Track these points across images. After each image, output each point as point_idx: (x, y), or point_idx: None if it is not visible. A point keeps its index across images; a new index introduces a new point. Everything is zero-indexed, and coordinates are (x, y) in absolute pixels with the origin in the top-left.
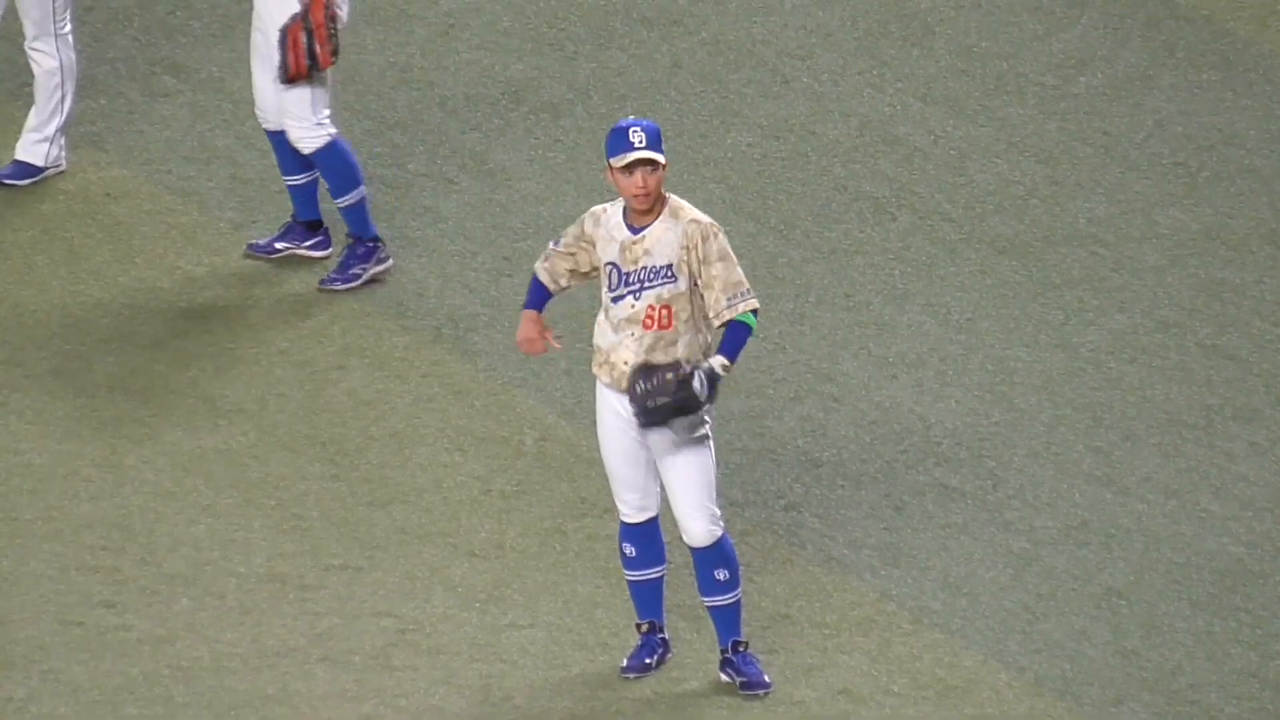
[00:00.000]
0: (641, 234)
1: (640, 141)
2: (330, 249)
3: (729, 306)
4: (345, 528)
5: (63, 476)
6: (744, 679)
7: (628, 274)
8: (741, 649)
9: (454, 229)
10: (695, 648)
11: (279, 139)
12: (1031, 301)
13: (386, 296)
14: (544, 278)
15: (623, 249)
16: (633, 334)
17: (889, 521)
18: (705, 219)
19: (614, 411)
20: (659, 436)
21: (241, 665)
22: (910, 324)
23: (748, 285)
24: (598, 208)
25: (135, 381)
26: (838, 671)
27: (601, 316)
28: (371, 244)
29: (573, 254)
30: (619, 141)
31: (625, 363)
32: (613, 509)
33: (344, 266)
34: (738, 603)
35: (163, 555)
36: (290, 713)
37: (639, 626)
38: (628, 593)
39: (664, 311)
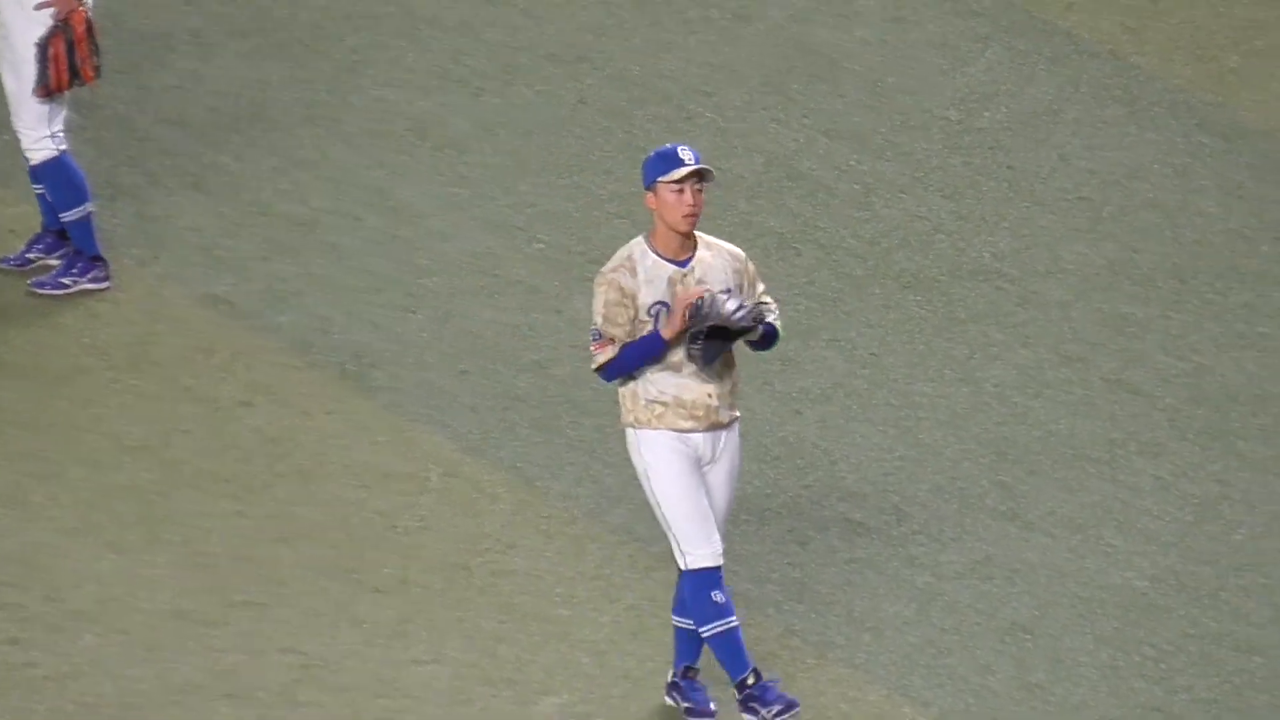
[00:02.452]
0: (689, 265)
1: (690, 159)
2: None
3: (772, 313)
4: (250, 564)
5: None
6: (688, 705)
7: None
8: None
9: (358, 266)
10: (600, 683)
11: None
12: (936, 336)
13: (291, 333)
14: (626, 337)
15: (672, 284)
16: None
17: (793, 557)
18: (737, 249)
19: (691, 458)
20: (714, 466)
21: (146, 702)
22: (815, 359)
23: None
24: (613, 264)
25: (40, 418)
26: None
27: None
28: (92, 261)
29: (623, 324)
30: (667, 161)
31: (710, 395)
32: (518, 544)
33: (59, 273)
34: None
35: (68, 591)
36: None
37: (745, 681)
38: (531, 627)
39: None
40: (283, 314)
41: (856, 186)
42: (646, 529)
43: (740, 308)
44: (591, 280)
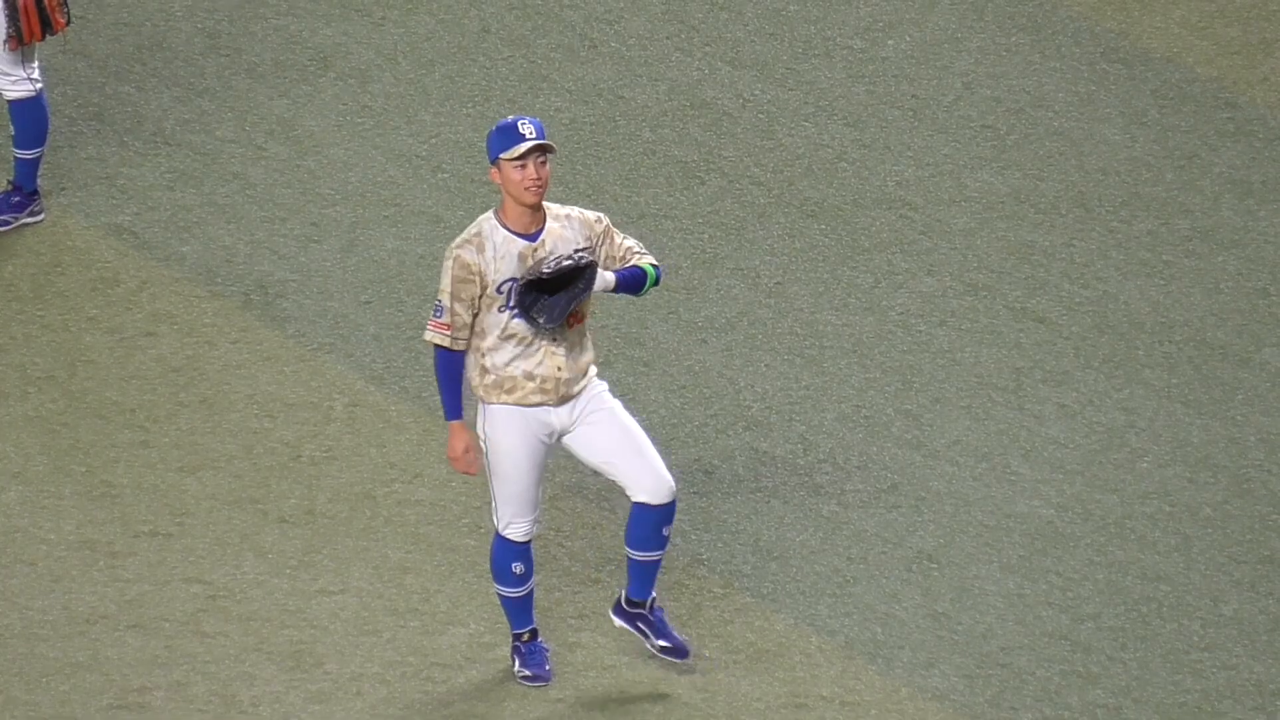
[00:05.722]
0: (540, 238)
1: (531, 133)
2: None
3: (640, 255)
4: (155, 494)
5: None
6: (666, 644)
7: None
8: (658, 607)
9: (263, 195)
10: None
11: None
12: (841, 265)
13: (195, 263)
14: (455, 345)
15: (523, 259)
16: (555, 339)
17: (699, 486)
18: (590, 211)
19: (533, 434)
20: (585, 419)
21: (52, 633)
22: (719, 288)
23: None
24: (462, 239)
25: None
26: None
27: (491, 341)
28: (29, 196)
29: (467, 300)
30: (508, 136)
31: (559, 369)
32: (423, 474)
33: None
34: (660, 561)
35: None
36: (101, 680)
37: (521, 636)
38: (437, 557)
39: (580, 308)
40: (186, 244)
41: (760, 115)
42: (553, 460)
43: (549, 259)
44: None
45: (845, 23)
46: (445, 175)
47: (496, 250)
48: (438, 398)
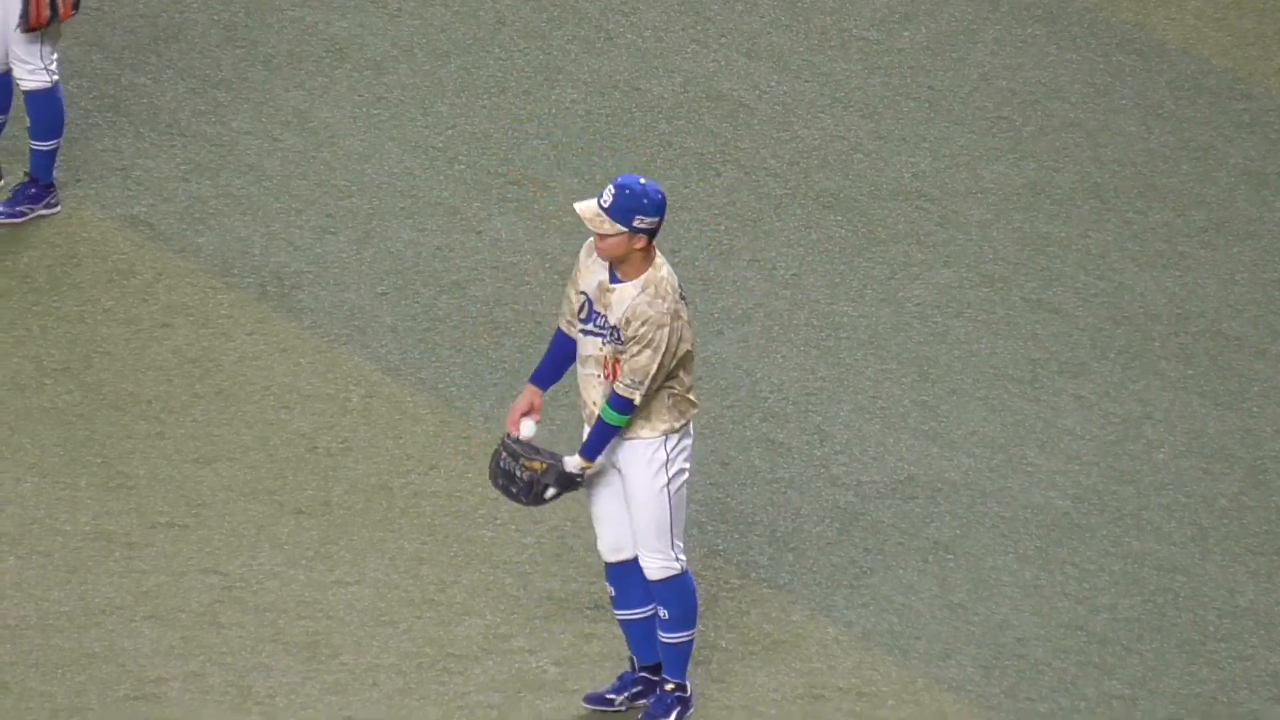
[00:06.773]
0: (616, 285)
1: (605, 199)
2: (1, 179)
3: (625, 388)
4: (171, 485)
5: None
6: (644, 714)
7: (598, 314)
8: (667, 689)
9: (278, 186)
10: (522, 604)
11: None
12: (857, 256)
13: (211, 254)
14: (563, 324)
15: (601, 289)
16: (598, 375)
17: (715, 477)
18: (661, 306)
19: (609, 459)
20: (619, 474)
21: (68, 624)
22: (736, 279)
23: (646, 378)
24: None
25: None
26: None
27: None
28: (46, 189)
29: (573, 286)
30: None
31: (594, 403)
32: (439, 465)
33: (13, 202)
34: (677, 646)
35: None
36: (117, 670)
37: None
38: (453, 548)
39: (614, 365)
40: (202, 235)
41: (776, 106)
42: (566, 450)
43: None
44: (511, 201)
45: (861, 14)
46: (461, 167)
47: (594, 264)
48: (453, 389)
